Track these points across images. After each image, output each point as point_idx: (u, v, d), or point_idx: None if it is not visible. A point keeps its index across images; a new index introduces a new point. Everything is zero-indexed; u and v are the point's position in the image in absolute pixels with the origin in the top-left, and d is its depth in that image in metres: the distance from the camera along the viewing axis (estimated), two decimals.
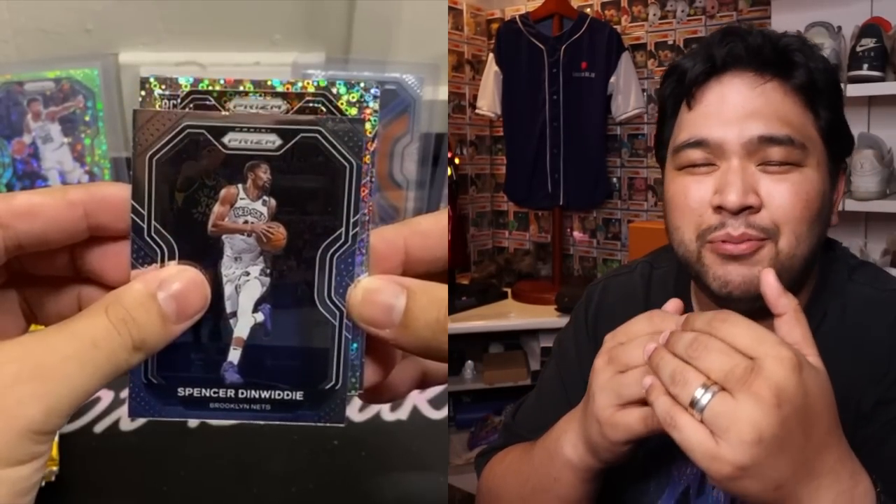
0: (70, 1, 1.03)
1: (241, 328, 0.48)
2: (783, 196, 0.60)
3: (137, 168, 0.46)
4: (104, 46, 1.05)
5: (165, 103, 0.47)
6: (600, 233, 2.41)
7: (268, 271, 0.48)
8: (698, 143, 0.62)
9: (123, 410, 0.78)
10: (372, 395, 0.54)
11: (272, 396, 0.49)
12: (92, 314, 0.43)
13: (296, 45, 1.11)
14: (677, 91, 0.65)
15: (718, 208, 0.60)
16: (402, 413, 0.80)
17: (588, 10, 2.26)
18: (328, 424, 0.49)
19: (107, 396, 0.80)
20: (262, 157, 0.46)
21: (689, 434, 0.46)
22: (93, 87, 0.95)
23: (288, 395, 0.49)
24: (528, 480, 0.66)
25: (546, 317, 1.91)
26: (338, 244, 0.47)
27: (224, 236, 0.47)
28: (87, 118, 0.95)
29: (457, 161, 2.34)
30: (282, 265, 0.47)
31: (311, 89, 0.48)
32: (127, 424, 0.77)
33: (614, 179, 2.35)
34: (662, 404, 0.48)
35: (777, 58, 0.62)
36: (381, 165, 0.96)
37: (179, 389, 0.48)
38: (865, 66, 1.49)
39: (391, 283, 0.47)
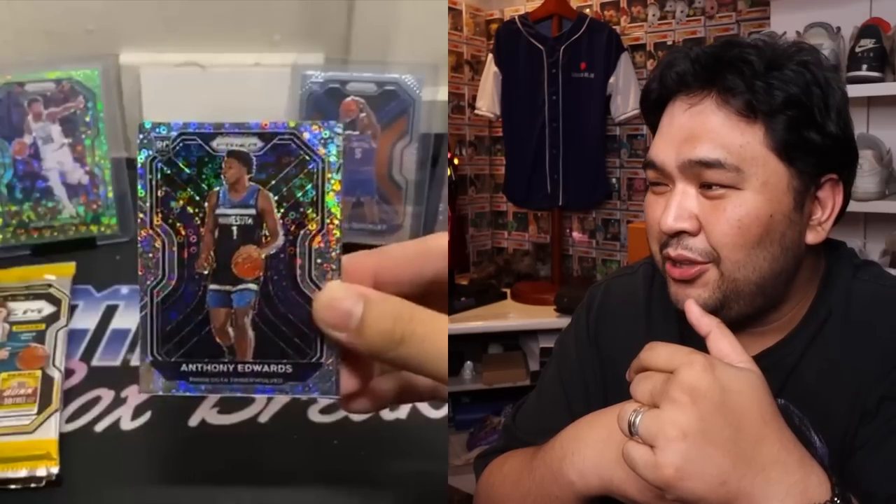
0: (71, 2, 1.03)
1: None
2: (717, 222, 0.60)
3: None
4: (105, 47, 1.05)
5: (160, 143, 0.54)
6: (599, 233, 2.42)
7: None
8: (650, 164, 0.64)
9: (123, 410, 0.78)
10: (351, 403, 0.60)
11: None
12: None
13: (295, 45, 1.11)
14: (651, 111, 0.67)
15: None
16: (402, 413, 0.80)
17: (587, 10, 2.27)
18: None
19: (107, 396, 0.80)
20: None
21: (632, 454, 0.50)
22: (93, 87, 0.95)
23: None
24: (528, 494, 0.66)
25: (545, 317, 1.91)
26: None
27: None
28: (87, 119, 0.96)
29: (456, 161, 2.35)
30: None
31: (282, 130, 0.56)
32: (127, 424, 0.77)
33: (613, 180, 2.35)
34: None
35: (718, 75, 0.60)
36: (380, 166, 0.96)
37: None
38: (864, 66, 1.49)
39: (352, 291, 0.54)
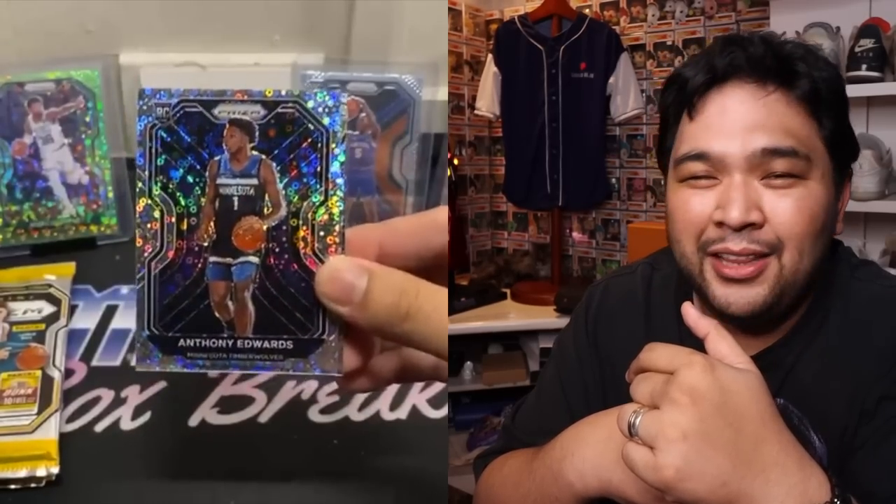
0: (71, 2, 1.03)
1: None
2: (787, 212, 0.59)
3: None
4: (105, 47, 1.05)
5: (159, 110, 0.52)
6: (599, 233, 2.42)
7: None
8: (699, 156, 0.61)
9: (123, 410, 0.78)
10: (351, 382, 0.58)
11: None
12: None
13: (295, 45, 1.11)
14: (678, 100, 0.65)
15: (720, 224, 0.60)
16: (402, 413, 0.80)
17: (587, 10, 2.27)
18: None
19: (107, 396, 0.80)
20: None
21: (632, 455, 0.50)
22: (93, 87, 0.95)
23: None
24: (528, 495, 0.66)
25: (545, 317, 1.91)
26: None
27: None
28: (87, 119, 0.96)
29: (456, 162, 2.35)
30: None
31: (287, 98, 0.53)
32: (127, 424, 0.77)
33: (613, 180, 2.35)
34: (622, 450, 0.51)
35: (779, 67, 0.61)
36: (380, 166, 0.96)
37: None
38: (864, 66, 1.50)
39: (355, 265, 0.52)
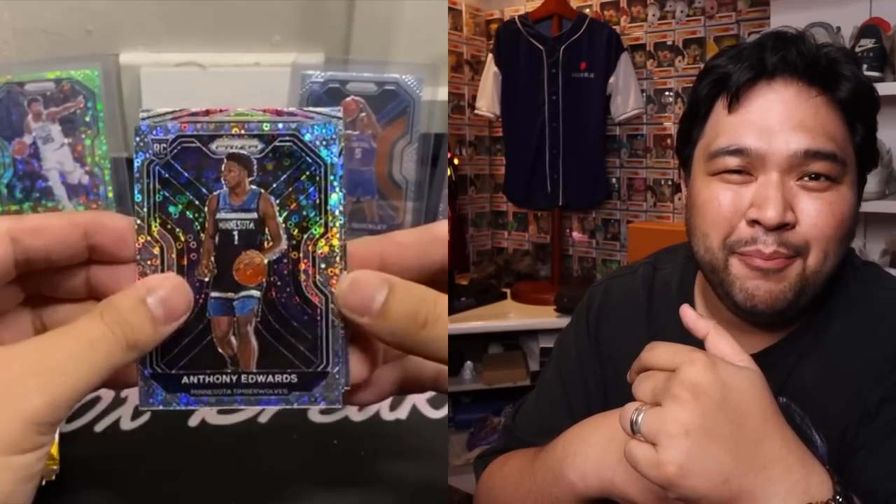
0: (71, 1, 1.03)
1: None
2: (820, 215, 0.59)
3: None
4: (105, 47, 1.05)
5: (156, 146, 0.52)
6: (599, 233, 2.42)
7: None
8: (738, 152, 0.60)
9: (124, 410, 0.78)
10: (353, 396, 0.58)
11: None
12: (89, 318, 0.48)
13: (295, 45, 1.12)
14: (714, 92, 0.63)
15: (753, 222, 0.60)
16: (402, 413, 0.80)
17: (587, 10, 2.27)
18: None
19: (107, 396, 0.80)
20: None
21: (634, 452, 0.49)
22: (93, 87, 0.95)
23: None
24: (529, 495, 0.66)
25: (545, 317, 1.91)
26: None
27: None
28: (87, 119, 0.96)
29: (456, 161, 2.35)
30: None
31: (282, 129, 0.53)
32: (127, 424, 0.77)
33: (613, 180, 2.35)
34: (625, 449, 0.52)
35: (828, 69, 0.60)
36: (380, 166, 0.96)
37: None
38: (864, 66, 1.49)
39: (376, 277, 0.52)
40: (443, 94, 1.13)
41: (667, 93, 2.21)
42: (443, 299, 0.53)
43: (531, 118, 2.10)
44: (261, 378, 0.53)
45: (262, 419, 0.78)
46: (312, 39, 1.11)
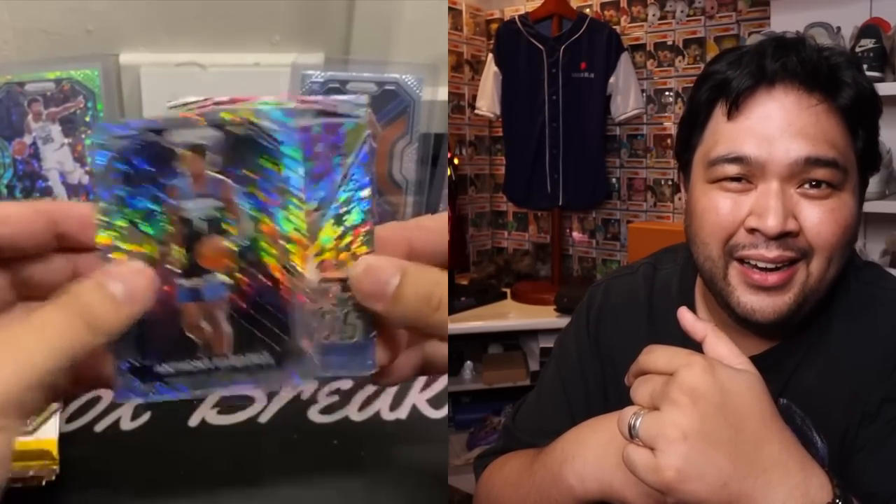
0: (71, 1, 1.03)
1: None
2: (822, 222, 0.59)
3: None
4: (105, 47, 1.05)
5: (115, 143, 0.51)
6: (599, 233, 2.41)
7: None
8: (737, 160, 0.60)
9: (124, 410, 0.78)
10: (380, 377, 0.59)
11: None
12: (45, 305, 0.48)
13: (295, 45, 1.12)
14: (714, 97, 0.63)
15: (753, 230, 0.59)
16: (402, 413, 0.80)
17: (587, 10, 2.27)
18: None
19: (107, 396, 0.80)
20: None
21: (633, 457, 0.49)
22: (93, 87, 0.95)
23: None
24: (528, 496, 0.66)
25: (545, 317, 1.91)
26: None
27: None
28: (87, 119, 0.96)
29: (456, 161, 2.35)
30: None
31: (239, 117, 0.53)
32: (127, 424, 0.77)
33: (613, 180, 2.35)
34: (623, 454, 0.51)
35: (828, 75, 0.60)
36: (380, 165, 0.96)
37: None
38: (864, 66, 1.49)
39: (390, 262, 0.53)
40: (443, 94, 1.13)
41: (667, 93, 2.21)
42: (445, 278, 0.54)
43: (531, 118, 2.10)
44: (235, 362, 0.54)
45: (263, 419, 0.78)
46: (312, 39, 1.11)
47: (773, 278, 0.59)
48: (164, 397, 0.54)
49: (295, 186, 0.53)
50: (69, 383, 0.54)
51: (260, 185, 0.53)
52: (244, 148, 0.53)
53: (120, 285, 0.49)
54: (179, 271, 0.53)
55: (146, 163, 0.52)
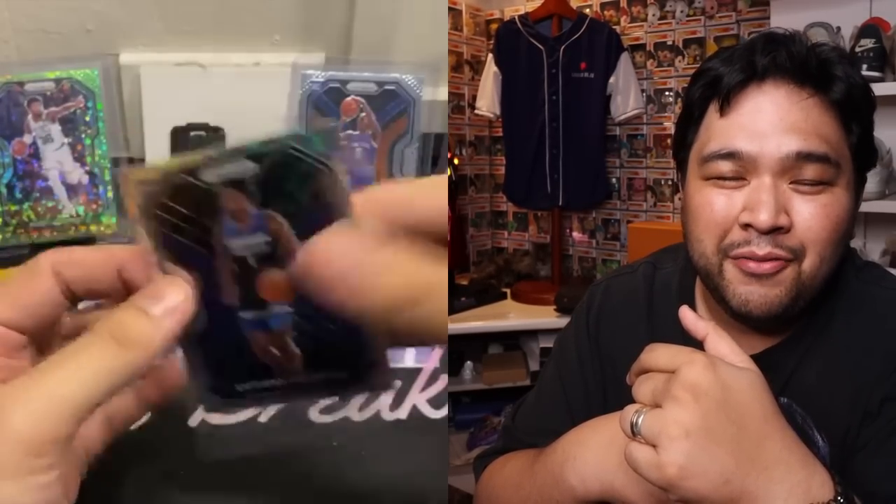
0: (71, 1, 1.03)
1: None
2: (814, 218, 0.59)
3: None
4: (104, 47, 1.05)
5: (144, 190, 0.49)
6: (599, 233, 2.42)
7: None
8: (729, 155, 0.60)
9: None
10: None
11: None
12: (86, 335, 0.46)
13: (296, 45, 1.12)
14: (707, 94, 0.63)
15: (746, 226, 0.60)
16: (402, 413, 0.80)
17: (587, 10, 2.27)
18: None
19: None
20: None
21: (635, 454, 0.49)
22: (93, 87, 0.95)
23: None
24: (529, 497, 0.66)
25: (545, 317, 1.91)
26: None
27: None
28: (87, 118, 0.96)
29: (456, 161, 2.35)
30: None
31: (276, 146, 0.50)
32: None
33: (613, 180, 2.35)
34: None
35: (819, 70, 0.60)
36: (380, 165, 0.96)
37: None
38: (864, 66, 1.50)
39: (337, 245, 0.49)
40: (443, 94, 1.13)
41: (667, 93, 2.21)
42: (426, 268, 0.48)
43: (531, 118, 2.10)
44: (312, 379, 0.54)
45: (263, 419, 0.78)
46: (312, 39, 1.11)
47: (767, 265, 0.59)
48: (250, 408, 0.54)
49: (343, 206, 0.50)
50: (136, 410, 0.56)
51: (307, 211, 0.50)
52: (284, 175, 0.50)
53: (152, 300, 0.48)
54: (239, 304, 0.51)
55: (184, 205, 0.49)
